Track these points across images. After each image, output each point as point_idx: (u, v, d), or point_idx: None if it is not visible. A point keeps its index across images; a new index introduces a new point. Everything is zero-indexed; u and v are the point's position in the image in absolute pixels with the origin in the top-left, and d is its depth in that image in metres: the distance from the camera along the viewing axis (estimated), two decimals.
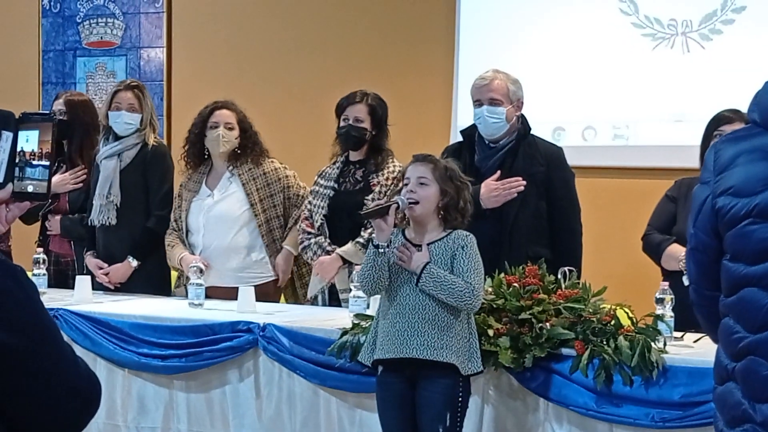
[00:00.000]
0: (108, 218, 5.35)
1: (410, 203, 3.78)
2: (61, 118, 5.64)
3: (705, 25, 5.93)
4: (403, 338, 3.72)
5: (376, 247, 3.75)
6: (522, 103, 4.72)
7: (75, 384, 1.82)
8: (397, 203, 3.77)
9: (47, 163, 1.93)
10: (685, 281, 4.20)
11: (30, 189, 1.92)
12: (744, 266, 2.39)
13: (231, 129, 5.22)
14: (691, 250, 2.55)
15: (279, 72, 7.05)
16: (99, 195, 5.36)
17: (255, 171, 5.23)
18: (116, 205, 5.34)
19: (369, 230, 4.73)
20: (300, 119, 6.88)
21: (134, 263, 5.33)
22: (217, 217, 5.20)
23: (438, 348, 3.69)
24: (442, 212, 3.81)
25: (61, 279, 5.52)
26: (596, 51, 6.16)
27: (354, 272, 4.49)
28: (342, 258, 4.86)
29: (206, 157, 5.32)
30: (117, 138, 5.42)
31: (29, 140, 1.91)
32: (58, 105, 5.70)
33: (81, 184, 5.59)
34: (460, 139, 4.93)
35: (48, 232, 5.70)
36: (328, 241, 4.94)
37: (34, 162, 1.92)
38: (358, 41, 6.84)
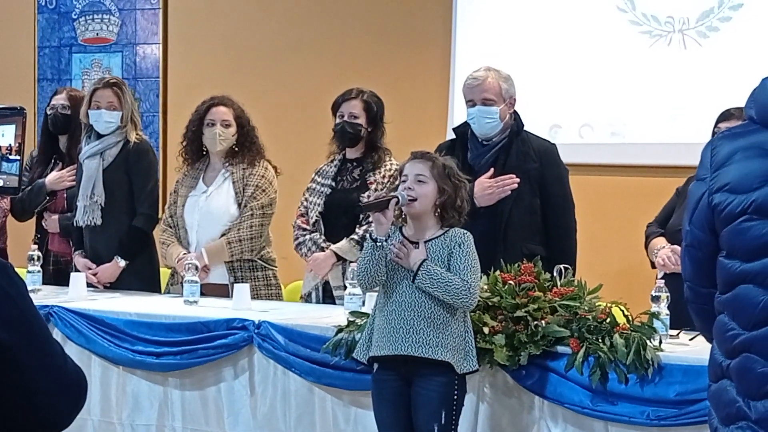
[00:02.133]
0: (93, 219, 5.31)
1: (408, 200, 3.77)
2: (63, 112, 5.60)
3: (702, 23, 5.92)
4: (398, 335, 3.71)
5: (374, 240, 3.74)
6: (515, 100, 4.70)
7: (63, 379, 1.83)
8: (397, 198, 3.76)
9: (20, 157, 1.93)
10: (659, 274, 4.22)
11: (1, 183, 1.92)
12: (740, 263, 2.39)
13: (228, 126, 5.19)
14: (687, 247, 2.54)
15: (275, 69, 7.03)
16: (83, 196, 5.31)
17: (247, 172, 5.19)
18: (101, 205, 5.30)
19: (364, 227, 4.72)
20: (296, 117, 6.86)
21: (122, 263, 5.29)
22: (210, 214, 5.17)
23: (434, 346, 3.68)
24: (439, 210, 3.80)
25: (61, 278, 5.44)
26: (593, 48, 6.15)
27: (348, 269, 4.48)
28: (336, 255, 4.85)
29: (204, 153, 5.30)
30: (99, 136, 5.37)
31: (5, 135, 1.91)
32: (60, 100, 5.65)
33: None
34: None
35: (46, 230, 5.66)
36: (323, 237, 4.93)
37: (11, 156, 1.92)
38: (355, 39, 6.83)
